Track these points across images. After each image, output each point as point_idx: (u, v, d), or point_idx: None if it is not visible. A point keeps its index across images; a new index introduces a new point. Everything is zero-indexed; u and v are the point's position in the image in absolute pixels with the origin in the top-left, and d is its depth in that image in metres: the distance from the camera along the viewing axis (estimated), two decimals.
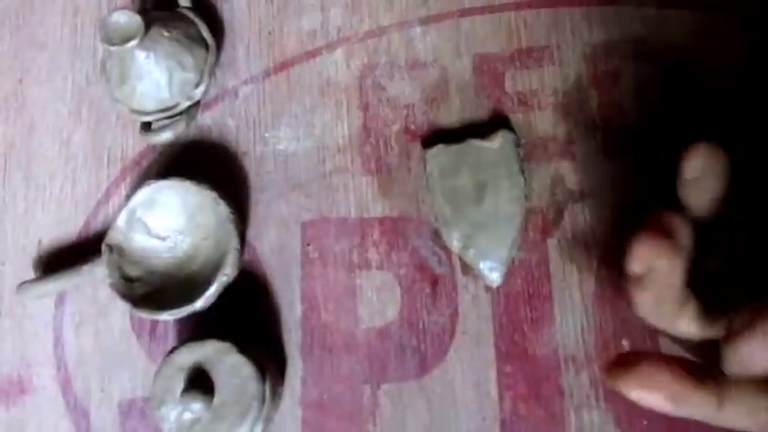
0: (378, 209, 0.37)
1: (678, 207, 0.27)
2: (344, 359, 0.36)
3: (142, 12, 0.36)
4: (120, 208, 0.36)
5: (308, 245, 0.37)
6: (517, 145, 0.36)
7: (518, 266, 0.36)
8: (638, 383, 0.26)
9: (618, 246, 0.28)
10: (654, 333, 0.34)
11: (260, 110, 0.39)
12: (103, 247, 0.35)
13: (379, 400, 0.35)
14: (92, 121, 0.39)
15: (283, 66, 0.39)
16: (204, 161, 0.38)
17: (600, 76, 0.37)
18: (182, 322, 0.36)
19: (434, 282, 0.36)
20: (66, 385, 0.36)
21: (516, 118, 0.37)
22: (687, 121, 0.35)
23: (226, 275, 0.34)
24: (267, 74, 0.39)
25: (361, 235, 0.37)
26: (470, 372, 0.35)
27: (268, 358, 0.35)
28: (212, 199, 0.35)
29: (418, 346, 0.36)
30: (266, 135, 0.39)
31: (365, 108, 0.38)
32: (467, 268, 0.36)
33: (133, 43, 0.34)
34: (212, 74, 0.38)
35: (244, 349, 0.33)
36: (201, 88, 0.37)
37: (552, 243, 0.36)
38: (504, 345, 0.35)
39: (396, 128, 0.38)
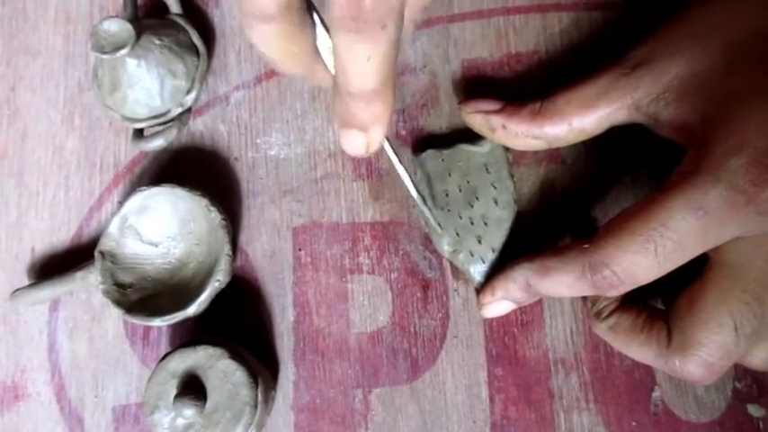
0: (369, 214, 0.37)
1: None
2: (336, 364, 0.36)
3: (133, 20, 0.36)
4: (113, 214, 0.36)
5: (300, 250, 0.37)
6: (506, 149, 0.36)
7: None
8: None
9: None
10: None
11: (251, 116, 0.39)
12: (96, 254, 0.36)
13: (371, 405, 0.35)
14: (84, 127, 0.40)
15: (274, 72, 0.39)
16: (196, 167, 0.39)
17: None
18: (174, 328, 0.37)
19: (425, 286, 0.36)
20: (60, 391, 0.37)
21: None
22: None
23: (218, 281, 0.35)
24: (258, 80, 0.39)
25: (352, 240, 0.37)
26: (461, 375, 0.35)
27: (260, 363, 0.35)
28: (204, 205, 0.36)
29: (409, 350, 0.36)
30: (258, 141, 0.39)
31: None
32: (457, 272, 0.36)
33: (124, 51, 0.34)
34: (203, 80, 0.38)
35: (236, 354, 0.33)
36: (193, 95, 0.37)
37: None
38: (495, 348, 0.36)
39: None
